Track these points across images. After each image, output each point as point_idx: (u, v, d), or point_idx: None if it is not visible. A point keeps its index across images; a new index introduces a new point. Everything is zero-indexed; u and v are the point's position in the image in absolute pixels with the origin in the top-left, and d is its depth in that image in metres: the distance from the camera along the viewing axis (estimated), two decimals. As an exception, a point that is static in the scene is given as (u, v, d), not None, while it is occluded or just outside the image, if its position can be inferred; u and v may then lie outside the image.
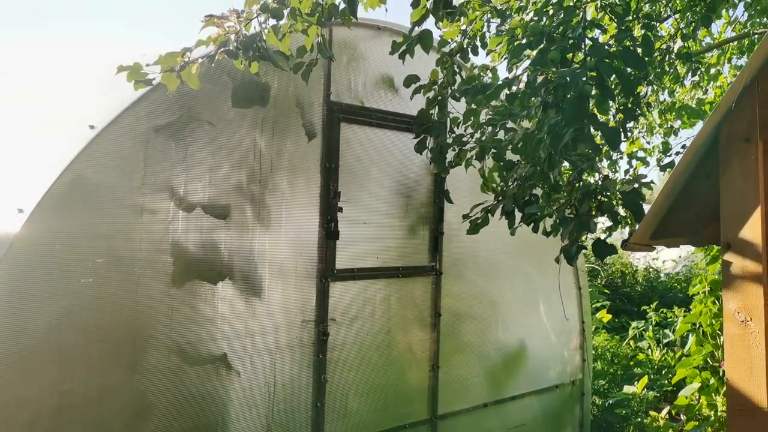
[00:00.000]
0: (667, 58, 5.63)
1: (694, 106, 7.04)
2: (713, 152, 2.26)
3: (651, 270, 14.07)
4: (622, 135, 4.83)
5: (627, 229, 4.48)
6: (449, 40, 4.48)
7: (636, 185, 2.98)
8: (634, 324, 10.04)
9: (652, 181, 3.30)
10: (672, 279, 13.75)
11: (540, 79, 3.35)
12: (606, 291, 10.66)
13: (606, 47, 3.49)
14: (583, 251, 3.25)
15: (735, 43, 6.60)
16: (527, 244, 5.45)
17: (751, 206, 2.16)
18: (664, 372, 8.61)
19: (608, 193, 3.11)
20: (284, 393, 4.22)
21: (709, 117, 2.23)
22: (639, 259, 14.48)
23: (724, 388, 4.09)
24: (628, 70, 3.71)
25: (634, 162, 7.26)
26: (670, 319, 9.99)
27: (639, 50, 3.96)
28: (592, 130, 3.32)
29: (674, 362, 8.34)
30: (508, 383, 5.65)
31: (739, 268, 2.20)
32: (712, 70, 6.99)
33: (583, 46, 3.48)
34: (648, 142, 7.60)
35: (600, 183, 3.22)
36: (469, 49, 4.46)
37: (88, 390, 3.41)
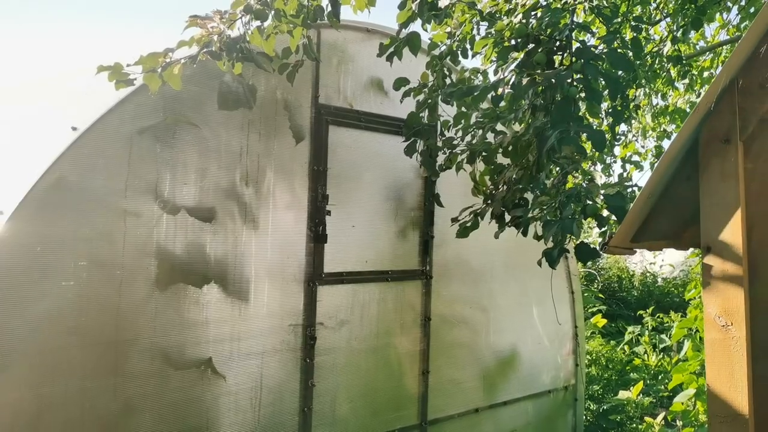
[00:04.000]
0: (658, 61, 5.61)
1: (687, 109, 7.02)
2: (693, 154, 2.23)
3: (648, 275, 14.03)
4: (613, 138, 4.81)
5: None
6: (438, 43, 4.45)
7: (620, 188, 2.95)
8: (630, 329, 10.00)
9: (635, 185, 3.27)
10: (669, 284, 13.71)
11: (525, 81, 3.32)
12: (600, 296, 10.61)
13: (593, 49, 3.46)
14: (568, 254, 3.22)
15: (728, 46, 6.58)
16: (519, 248, 5.40)
17: (732, 208, 2.12)
18: (660, 377, 8.57)
19: (593, 196, 3.07)
20: (271, 398, 4.18)
21: (688, 118, 2.20)
22: (636, 264, 14.44)
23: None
24: (619, 72, 3.69)
25: (628, 166, 7.22)
26: (666, 324, 9.95)
27: (629, 53, 3.94)
28: (581, 133, 3.29)
29: (670, 367, 8.29)
30: (500, 388, 5.61)
31: (719, 271, 2.16)
32: (706, 74, 6.97)
33: (570, 48, 3.45)
34: (642, 146, 7.57)
35: (584, 186, 3.19)
36: (459, 51, 4.43)
37: (69, 394, 3.37)
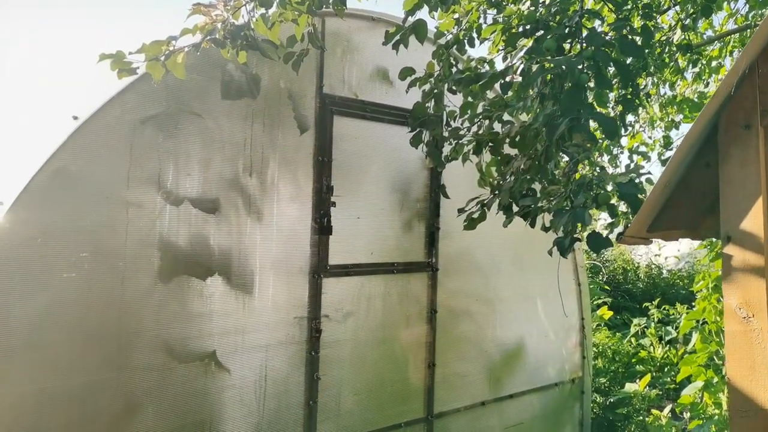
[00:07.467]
0: (667, 50, 5.53)
1: (695, 99, 6.94)
2: (712, 141, 2.16)
3: (653, 266, 13.96)
4: (622, 127, 4.74)
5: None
6: (445, 32, 4.38)
7: (632, 176, 2.88)
8: (635, 321, 9.95)
9: (649, 172, 3.20)
10: (674, 275, 13.64)
11: (535, 68, 3.25)
12: (606, 288, 10.54)
13: (603, 36, 3.39)
14: (579, 245, 3.16)
15: (737, 35, 6.49)
16: (526, 240, 5.36)
17: (753, 196, 2.06)
18: (666, 370, 8.52)
19: (604, 185, 3.01)
20: (275, 391, 4.13)
21: (707, 104, 2.13)
22: (641, 256, 14.37)
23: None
24: (627, 60, 3.62)
25: (635, 157, 7.15)
26: (672, 316, 9.89)
27: (638, 40, 3.86)
28: (590, 121, 3.23)
29: (677, 360, 8.24)
30: (507, 381, 5.56)
31: (740, 261, 2.10)
32: (714, 63, 6.88)
33: (579, 35, 3.38)
34: (649, 137, 7.49)
35: (596, 175, 3.12)
36: (466, 40, 4.36)
37: (71, 388, 3.33)
